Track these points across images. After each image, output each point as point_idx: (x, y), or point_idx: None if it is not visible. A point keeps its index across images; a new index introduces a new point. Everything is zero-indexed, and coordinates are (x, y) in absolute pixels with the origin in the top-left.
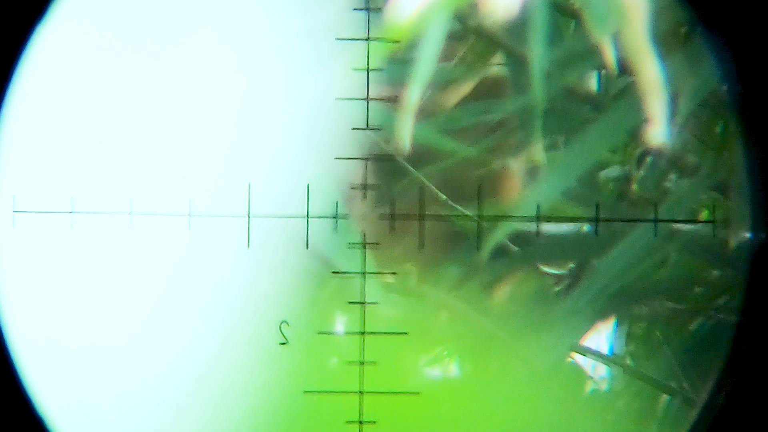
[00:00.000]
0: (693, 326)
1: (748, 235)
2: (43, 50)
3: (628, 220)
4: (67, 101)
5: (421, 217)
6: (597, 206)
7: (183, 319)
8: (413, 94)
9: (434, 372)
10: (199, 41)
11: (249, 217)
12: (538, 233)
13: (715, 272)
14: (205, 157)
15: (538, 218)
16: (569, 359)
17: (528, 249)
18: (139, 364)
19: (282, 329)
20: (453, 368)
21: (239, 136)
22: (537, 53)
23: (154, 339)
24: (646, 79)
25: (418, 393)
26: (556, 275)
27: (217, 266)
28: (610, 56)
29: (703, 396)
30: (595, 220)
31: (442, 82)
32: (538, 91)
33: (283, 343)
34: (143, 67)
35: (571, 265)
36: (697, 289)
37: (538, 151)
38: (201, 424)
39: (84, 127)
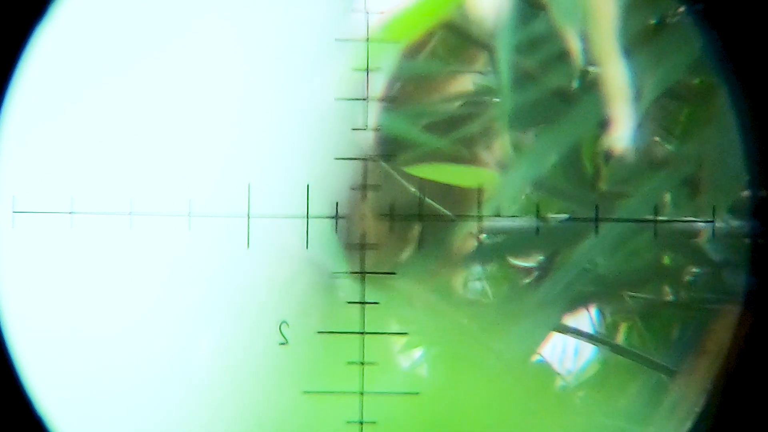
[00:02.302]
0: (667, 317)
1: (726, 226)
2: (43, 50)
3: (627, 220)
4: (67, 101)
5: (420, 218)
6: (597, 207)
7: (183, 319)
8: (380, 87)
9: (407, 360)
10: (199, 42)
11: (249, 217)
12: (538, 230)
13: (690, 264)
14: (205, 157)
15: (538, 216)
16: (536, 356)
17: (498, 241)
18: (139, 365)
19: (282, 329)
20: (418, 352)
21: (239, 136)
22: (503, 42)
23: (153, 339)
24: (611, 82)
25: (418, 393)
26: (526, 268)
27: (216, 266)
28: (576, 50)
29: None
30: (595, 220)
31: (413, 76)
32: (504, 81)
33: (283, 344)
34: (143, 68)
35: (541, 257)
36: (671, 281)
37: (506, 142)
38: (201, 425)
39: (84, 128)
